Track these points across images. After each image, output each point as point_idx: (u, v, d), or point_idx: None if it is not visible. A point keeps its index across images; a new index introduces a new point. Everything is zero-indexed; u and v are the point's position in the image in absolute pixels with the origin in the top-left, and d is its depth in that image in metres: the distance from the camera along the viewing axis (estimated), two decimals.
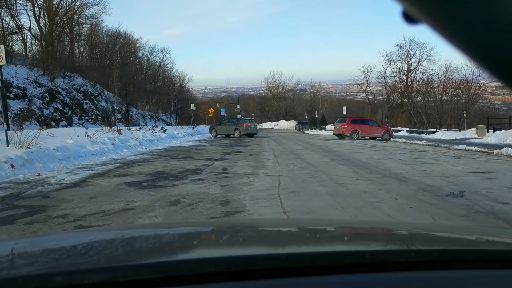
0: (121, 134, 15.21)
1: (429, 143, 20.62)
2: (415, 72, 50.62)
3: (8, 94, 31.29)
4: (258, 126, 33.08)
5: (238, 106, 59.04)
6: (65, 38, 47.47)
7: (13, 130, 10.29)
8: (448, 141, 21.49)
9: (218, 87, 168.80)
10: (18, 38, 41.92)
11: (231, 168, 9.03)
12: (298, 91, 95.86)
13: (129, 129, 18.96)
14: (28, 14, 42.04)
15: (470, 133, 25.02)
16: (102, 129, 14.23)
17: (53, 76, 38.63)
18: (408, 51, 50.22)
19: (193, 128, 32.73)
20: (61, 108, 38.90)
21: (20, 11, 40.95)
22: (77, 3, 45.07)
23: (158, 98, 60.28)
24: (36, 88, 35.97)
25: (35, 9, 41.58)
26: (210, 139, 24.99)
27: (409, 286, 0.75)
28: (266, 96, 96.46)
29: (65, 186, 6.34)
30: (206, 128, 34.57)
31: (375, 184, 6.94)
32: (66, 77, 42.04)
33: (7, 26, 37.82)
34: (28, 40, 43.31)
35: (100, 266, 0.80)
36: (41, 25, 42.22)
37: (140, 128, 20.38)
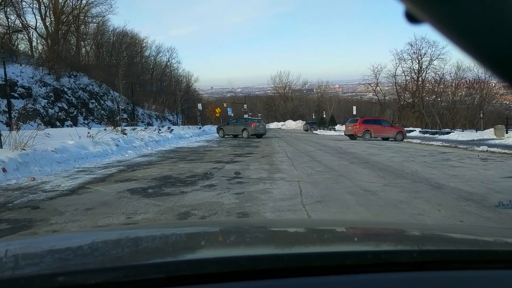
0: (125, 134, 14.51)
1: (446, 144, 19.73)
2: (426, 71, 49.65)
3: (12, 93, 30.82)
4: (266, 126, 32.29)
5: (245, 106, 58.40)
6: (71, 37, 47.03)
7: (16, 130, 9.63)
8: (466, 142, 20.59)
9: (224, 87, 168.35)
10: (24, 37, 41.58)
11: (244, 172, 8.28)
12: (304, 91, 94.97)
13: (134, 129, 18.28)
14: (34, 13, 41.65)
15: (488, 133, 24.05)
16: (105, 129, 13.52)
17: (59, 75, 38.15)
18: (420, 50, 49.20)
19: (200, 128, 32.06)
20: (66, 107, 38.42)
21: (26, 9, 40.49)
22: (83, 2, 44.63)
23: (165, 98, 59.77)
24: (41, 88, 35.48)
25: (41, 7, 41.17)
26: (217, 140, 24.28)
27: (412, 286, 0.74)
28: (273, 96, 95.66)
29: (60, 194, 5.62)
30: (213, 128, 33.92)
31: (407, 192, 6.16)
32: (72, 76, 41.57)
33: (12, 25, 37.31)
34: (34, 39, 42.89)
35: (103, 266, 0.80)
36: (47, 24, 41.80)
37: (135, 128, 19.54)
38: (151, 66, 67.98)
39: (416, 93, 49.09)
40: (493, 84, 40.51)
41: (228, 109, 47.78)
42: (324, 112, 67.83)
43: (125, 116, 42.62)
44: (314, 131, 47.64)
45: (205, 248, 1.09)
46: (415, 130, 33.87)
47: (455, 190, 6.33)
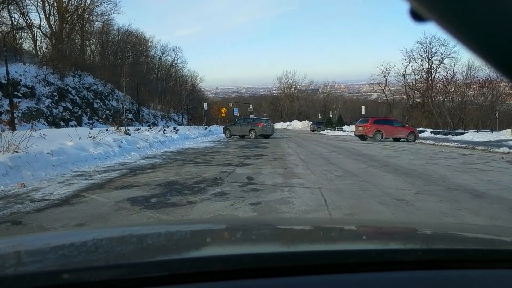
0: (129, 135, 13.78)
1: (462, 145, 18.87)
2: (436, 70, 48.54)
3: (15, 92, 30.25)
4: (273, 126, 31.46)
5: (251, 106, 57.74)
6: (76, 36, 46.51)
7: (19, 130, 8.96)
8: (484, 143, 19.72)
9: (229, 87, 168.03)
10: (28, 36, 41.10)
11: (257, 176, 7.52)
12: (309, 91, 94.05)
13: (138, 129, 17.57)
14: (38, 12, 41.18)
15: (505, 134, 23.12)
16: (107, 130, 12.78)
17: (63, 74, 37.59)
18: (430, 48, 48.12)
19: (206, 128, 31.37)
20: (70, 107, 37.85)
21: (30, 7, 40.02)
22: (88, 0, 44.08)
23: (170, 98, 59.12)
24: (45, 87, 34.91)
25: (45, 6, 40.66)
26: (224, 140, 23.55)
27: (416, 285, 0.73)
28: (279, 96, 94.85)
29: (50, 204, 4.89)
30: (219, 128, 33.24)
31: (446, 201, 5.39)
32: (76, 75, 41.00)
33: (16, 23, 36.81)
34: (38, 38, 42.39)
35: (107, 263, 0.80)
36: (51, 22, 41.28)
37: (139, 128, 18.78)
38: (157, 66, 67.41)
39: (426, 92, 48.02)
40: (504, 84, 39.41)
41: (234, 109, 47.09)
42: (330, 112, 66.90)
43: (130, 116, 42.06)
44: (321, 132, 46.78)
45: (210, 246, 1.08)
46: (426, 131, 32.90)
47: (501, 199, 5.56)
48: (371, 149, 15.98)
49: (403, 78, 51.01)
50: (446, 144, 20.58)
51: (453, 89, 42.37)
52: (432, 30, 51.74)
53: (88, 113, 40.27)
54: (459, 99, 40.55)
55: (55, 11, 41.41)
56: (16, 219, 4.12)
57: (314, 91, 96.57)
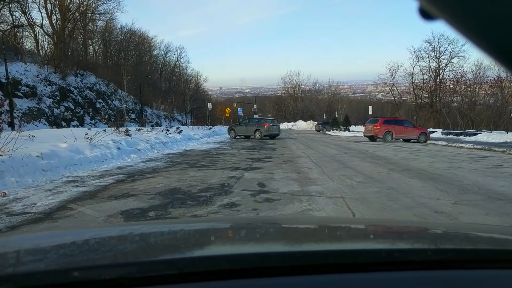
0: (129, 135, 13.02)
1: (478, 147, 18.02)
2: (445, 69, 47.50)
3: (16, 92, 29.61)
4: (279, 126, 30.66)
5: (255, 106, 57.04)
6: (78, 35, 45.91)
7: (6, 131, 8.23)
8: (500, 144, 18.88)
9: (233, 88, 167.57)
10: (30, 35, 40.50)
11: (269, 183, 6.73)
12: (313, 92, 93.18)
13: (139, 130, 16.81)
14: (40, 10, 40.58)
15: None
16: (105, 130, 12.02)
17: (65, 74, 36.94)
18: (439, 47, 47.11)
19: (210, 128, 30.62)
20: (72, 107, 37.21)
21: (32, 6, 39.41)
22: None
23: (173, 98, 58.48)
24: (46, 87, 34.26)
25: (47, 5, 40.03)
26: (229, 141, 22.78)
27: (426, 285, 0.72)
28: (283, 96, 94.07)
29: (29, 219, 4.12)
30: (223, 128, 32.51)
31: (495, 215, 4.59)
32: (79, 75, 40.38)
33: (17, 22, 36.17)
34: (39, 37, 41.78)
35: (116, 262, 0.80)
36: (53, 21, 40.66)
37: (141, 128, 17.96)
38: (160, 66, 66.84)
39: (434, 92, 47.02)
40: None
41: (239, 109, 46.30)
42: (336, 112, 66.00)
43: (133, 116, 41.37)
44: (327, 132, 45.89)
45: (217, 245, 1.07)
46: (437, 131, 31.98)
47: None
48: (384, 151, 15.16)
49: (410, 77, 50.05)
50: (460, 145, 19.72)
51: (463, 87, 41.32)
52: (440, 28, 50.82)
53: (91, 113, 39.63)
54: (467, 99, 39.57)
55: (57, 9, 40.80)
56: None
57: (318, 91, 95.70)
